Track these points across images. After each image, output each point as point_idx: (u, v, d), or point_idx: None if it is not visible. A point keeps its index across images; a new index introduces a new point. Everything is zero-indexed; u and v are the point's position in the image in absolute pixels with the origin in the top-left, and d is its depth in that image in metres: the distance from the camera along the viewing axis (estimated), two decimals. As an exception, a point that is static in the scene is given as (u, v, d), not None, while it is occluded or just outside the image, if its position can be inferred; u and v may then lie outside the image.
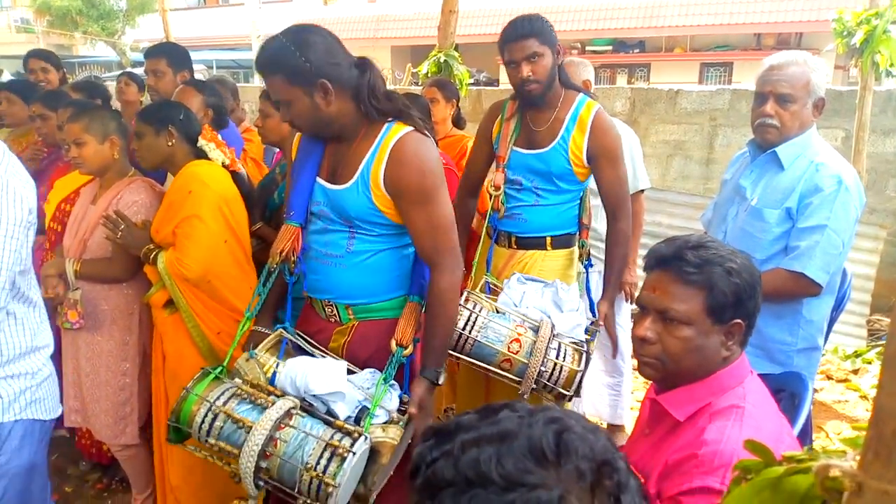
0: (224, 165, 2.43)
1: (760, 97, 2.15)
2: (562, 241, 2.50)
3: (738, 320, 1.31)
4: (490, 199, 2.49)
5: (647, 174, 3.18)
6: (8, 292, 1.51)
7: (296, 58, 1.67)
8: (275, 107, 2.62)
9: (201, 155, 2.42)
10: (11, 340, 1.62)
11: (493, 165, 2.51)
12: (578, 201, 2.51)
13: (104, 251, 2.41)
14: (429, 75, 5.61)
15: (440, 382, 1.84)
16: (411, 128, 1.79)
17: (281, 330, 1.93)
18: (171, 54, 3.20)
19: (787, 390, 1.85)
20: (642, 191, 3.10)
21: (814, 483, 0.45)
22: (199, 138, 2.42)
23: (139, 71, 4.43)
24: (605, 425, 3.42)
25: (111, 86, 5.31)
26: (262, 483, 1.63)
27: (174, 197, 2.30)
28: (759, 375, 1.44)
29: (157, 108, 2.46)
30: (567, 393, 2.09)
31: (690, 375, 1.34)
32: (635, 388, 3.64)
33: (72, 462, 3.04)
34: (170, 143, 2.35)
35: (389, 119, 1.80)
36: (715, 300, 1.29)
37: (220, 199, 2.29)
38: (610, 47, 15.94)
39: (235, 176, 2.45)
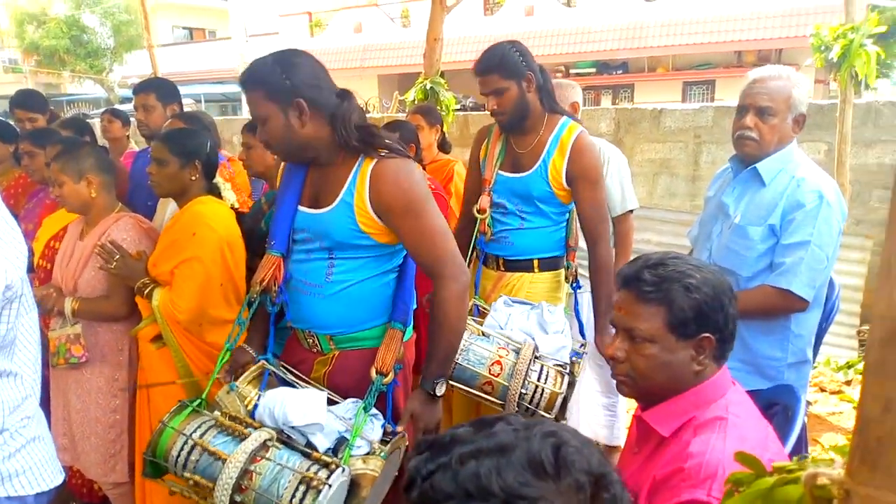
0: (232, 207, 2.43)
1: (741, 110, 2.16)
2: (549, 264, 2.50)
3: (707, 334, 1.31)
4: (476, 222, 2.49)
5: (635, 193, 3.19)
6: None
7: (276, 75, 1.71)
8: (253, 133, 2.66)
9: (213, 190, 2.42)
10: None
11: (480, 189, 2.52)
12: (565, 223, 2.51)
13: (94, 288, 2.40)
14: (416, 102, 5.67)
15: (439, 394, 1.80)
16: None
17: (263, 361, 1.90)
18: (159, 89, 3.21)
19: (780, 404, 1.85)
20: (631, 211, 3.10)
21: (804, 494, 0.45)
22: (217, 175, 2.42)
23: (127, 107, 4.43)
24: (601, 446, 3.40)
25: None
26: None
27: (178, 236, 2.29)
28: (751, 391, 1.44)
29: (186, 139, 2.40)
30: (548, 416, 2.07)
31: (663, 391, 1.35)
32: (631, 407, 3.62)
33: (62, 502, 2.98)
34: (192, 178, 2.34)
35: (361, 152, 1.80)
36: (675, 316, 1.30)
37: (224, 242, 2.28)
38: (593, 69, 16.17)
39: (238, 215, 2.45)
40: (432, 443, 0.72)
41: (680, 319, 1.30)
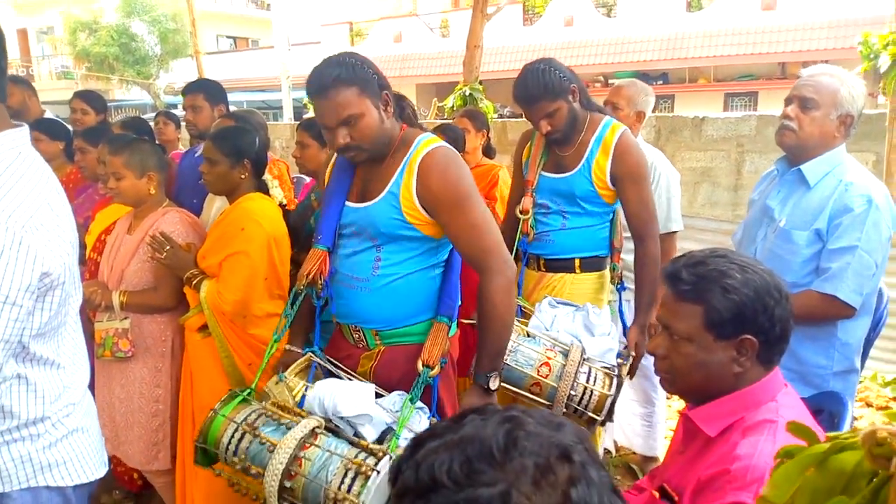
0: (280, 204, 2.49)
1: (786, 101, 2.14)
2: (591, 264, 2.49)
3: (747, 336, 1.28)
4: (519, 223, 2.50)
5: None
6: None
7: (364, 70, 1.74)
8: (309, 131, 2.72)
9: (262, 187, 2.48)
10: (19, 407, 1.37)
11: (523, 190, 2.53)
12: (608, 223, 2.50)
13: (140, 279, 2.47)
14: (454, 109, 5.72)
15: (493, 388, 1.81)
16: (441, 142, 1.84)
17: (310, 354, 1.94)
18: (207, 89, 3.30)
19: (825, 411, 1.81)
20: (674, 232, 3.02)
21: (861, 459, 0.45)
22: (266, 172, 2.49)
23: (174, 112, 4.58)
24: (637, 455, 3.36)
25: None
26: None
27: (227, 230, 2.35)
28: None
29: (235, 138, 2.44)
30: (598, 418, 2.07)
31: (703, 390, 1.34)
32: (669, 416, 3.57)
33: (106, 490, 3.05)
34: (242, 176, 2.40)
35: (420, 134, 1.85)
36: (711, 317, 1.29)
37: (271, 238, 2.34)
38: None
39: (285, 212, 2.51)
40: (416, 439, 0.74)
41: (717, 320, 1.28)
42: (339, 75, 1.70)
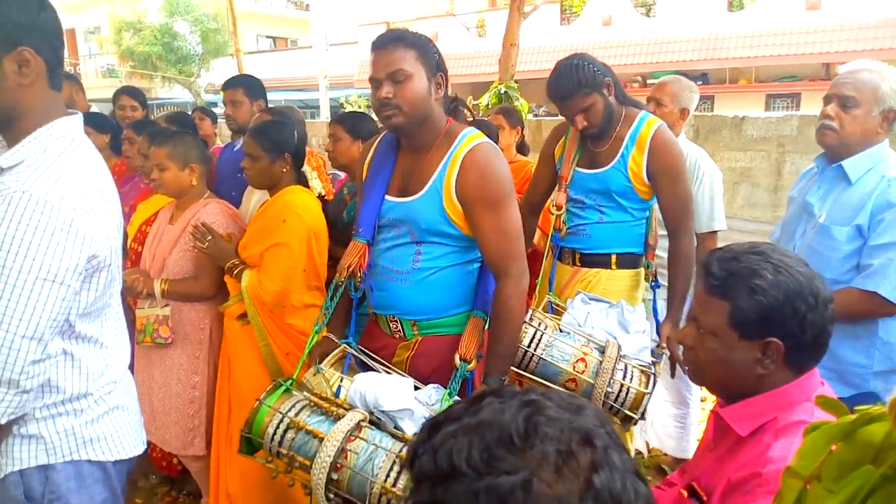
0: (319, 196, 2.54)
1: (826, 100, 2.11)
2: (627, 261, 2.46)
3: (773, 339, 1.24)
4: (552, 218, 2.49)
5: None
6: (44, 343, 1.30)
7: (428, 45, 1.81)
8: (342, 125, 2.75)
9: (302, 179, 2.53)
10: (65, 382, 1.42)
11: (556, 185, 2.52)
12: (644, 220, 2.48)
13: (181, 268, 2.53)
14: (489, 107, 5.72)
15: None
16: (485, 138, 1.85)
17: (344, 346, 1.96)
18: (247, 85, 3.36)
19: (863, 411, 1.77)
20: (716, 231, 2.96)
21: (890, 430, 0.45)
22: (305, 164, 2.54)
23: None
24: (668, 457, 3.32)
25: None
26: (332, 496, 1.63)
27: (268, 221, 2.41)
28: (833, 399, 1.38)
29: (274, 132, 2.48)
30: (634, 416, 2.05)
31: (724, 387, 1.33)
32: (703, 418, 3.52)
33: (143, 475, 3.14)
34: (283, 170, 2.46)
35: (465, 129, 1.86)
36: (735, 315, 1.25)
37: (310, 230, 2.39)
38: (672, 80, 15.78)
39: (324, 203, 2.55)
40: (431, 423, 0.73)
41: (741, 319, 1.25)
42: (403, 36, 1.79)
